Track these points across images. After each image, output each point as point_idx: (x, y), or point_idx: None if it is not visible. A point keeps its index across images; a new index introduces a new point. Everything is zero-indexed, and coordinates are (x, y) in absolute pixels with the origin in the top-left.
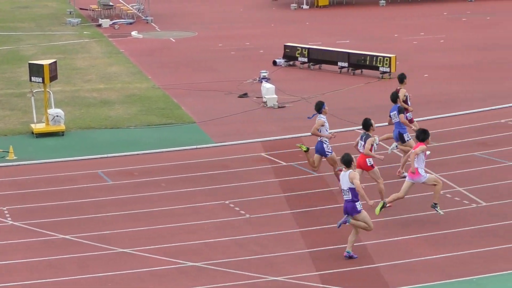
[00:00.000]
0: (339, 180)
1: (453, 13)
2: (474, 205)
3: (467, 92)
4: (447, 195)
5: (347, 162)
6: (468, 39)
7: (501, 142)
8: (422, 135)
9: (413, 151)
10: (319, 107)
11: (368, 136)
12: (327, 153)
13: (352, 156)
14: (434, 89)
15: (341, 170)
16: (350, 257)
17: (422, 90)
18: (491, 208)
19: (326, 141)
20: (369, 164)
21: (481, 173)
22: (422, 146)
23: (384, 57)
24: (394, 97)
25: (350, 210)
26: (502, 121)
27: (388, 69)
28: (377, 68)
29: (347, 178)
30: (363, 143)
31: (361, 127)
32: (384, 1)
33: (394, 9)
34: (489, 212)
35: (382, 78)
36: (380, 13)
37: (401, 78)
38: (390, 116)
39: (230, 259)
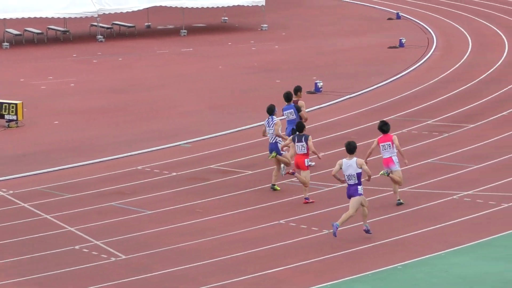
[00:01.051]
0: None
1: (82, 54)
2: (113, 259)
3: (101, 137)
4: (84, 249)
5: (353, 149)
6: (101, 81)
7: (139, 190)
8: (387, 126)
9: (396, 142)
10: (272, 110)
11: (306, 137)
12: (281, 152)
13: None
14: (66, 136)
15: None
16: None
17: (53, 137)
18: (131, 261)
19: (280, 141)
20: (306, 165)
21: (120, 224)
22: (395, 136)
23: (9, 104)
24: (288, 96)
25: (354, 192)
26: (139, 167)
27: (15, 117)
28: (2, 116)
29: (355, 164)
30: (304, 143)
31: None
32: (7, 44)
33: (19, 51)
34: (128, 265)
35: (9, 127)
36: (4, 56)
37: (296, 90)
38: (283, 113)
39: None
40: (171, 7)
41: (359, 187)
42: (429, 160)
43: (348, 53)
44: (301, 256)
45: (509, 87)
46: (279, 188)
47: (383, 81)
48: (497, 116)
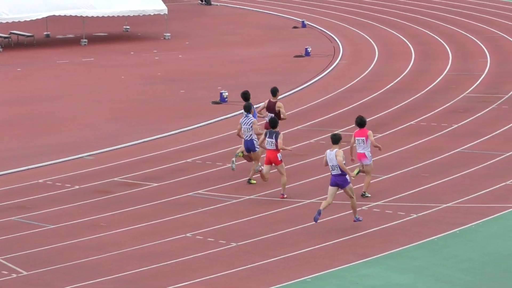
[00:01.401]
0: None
1: None
2: (15, 275)
3: (1, 151)
4: None
5: (336, 140)
6: (0, 93)
7: (41, 204)
8: (363, 121)
9: (372, 138)
10: (249, 108)
11: (277, 134)
12: (256, 148)
13: None
14: None
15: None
16: (357, 220)
17: None
18: (32, 277)
19: (256, 138)
20: (279, 159)
21: (21, 239)
22: (370, 131)
23: None
24: (246, 96)
25: (342, 182)
26: (40, 181)
27: None
28: None
29: (334, 155)
30: (273, 140)
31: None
32: None
33: None
34: (29, 282)
35: None
36: None
37: (274, 92)
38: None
39: None
40: (71, 16)
41: (346, 176)
42: None
43: (254, 62)
44: (208, 270)
45: (416, 96)
46: (254, 182)
47: (289, 90)
48: (404, 125)
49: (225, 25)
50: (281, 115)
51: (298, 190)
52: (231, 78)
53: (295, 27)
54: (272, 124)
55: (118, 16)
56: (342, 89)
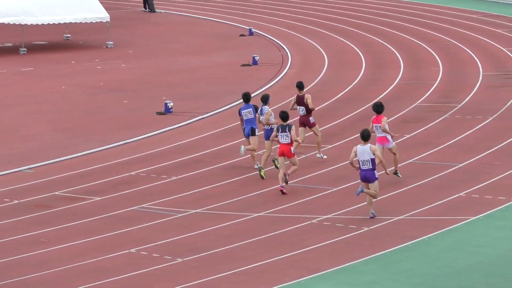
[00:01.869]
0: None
1: None
2: None
3: None
4: None
5: (367, 136)
6: None
7: None
8: (381, 107)
9: (385, 124)
10: (266, 99)
11: (290, 126)
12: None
13: None
14: None
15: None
16: (373, 217)
17: None
18: None
19: (273, 127)
20: (293, 152)
21: None
22: (385, 118)
23: None
24: (248, 97)
25: (370, 177)
26: None
27: None
28: None
29: (369, 150)
30: (288, 133)
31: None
32: None
33: None
34: None
35: None
36: None
37: (300, 85)
38: (240, 114)
39: None
40: (9, 23)
41: (375, 171)
42: (288, 183)
43: (199, 71)
44: (153, 286)
45: (367, 105)
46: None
47: (236, 100)
48: (356, 135)
49: (170, 33)
50: (309, 106)
51: (247, 203)
52: (176, 87)
53: (242, 35)
54: (284, 118)
55: (58, 24)
56: (290, 98)
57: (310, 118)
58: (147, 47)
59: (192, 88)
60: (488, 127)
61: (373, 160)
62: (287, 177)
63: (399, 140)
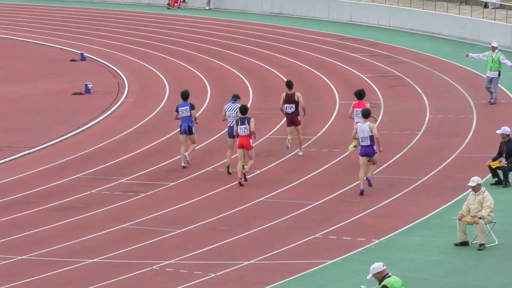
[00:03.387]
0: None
1: None
2: None
3: None
4: None
5: (367, 114)
6: None
7: None
8: (364, 93)
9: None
10: (237, 96)
11: (249, 119)
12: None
13: None
14: None
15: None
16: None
17: None
18: None
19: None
20: (252, 145)
21: None
22: (368, 104)
23: None
24: (186, 95)
25: (370, 152)
26: None
27: None
28: None
29: (368, 127)
30: (247, 126)
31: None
32: None
33: None
34: None
35: None
36: None
37: (290, 84)
38: (177, 111)
39: None
40: None
41: (374, 147)
42: (124, 225)
43: (25, 101)
44: None
45: (214, 137)
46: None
47: (68, 133)
48: (200, 171)
49: None
50: (300, 104)
51: (79, 248)
52: None
53: (73, 60)
54: (243, 111)
55: None
56: (128, 131)
57: (298, 117)
58: None
59: (15, 120)
60: (346, 161)
61: (371, 137)
62: (246, 176)
63: (248, 177)
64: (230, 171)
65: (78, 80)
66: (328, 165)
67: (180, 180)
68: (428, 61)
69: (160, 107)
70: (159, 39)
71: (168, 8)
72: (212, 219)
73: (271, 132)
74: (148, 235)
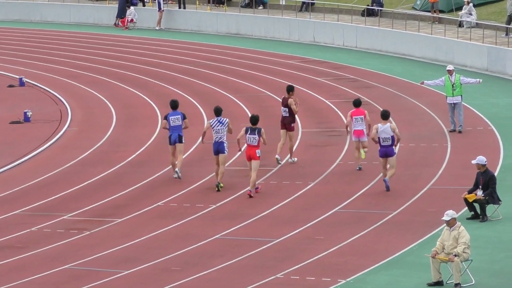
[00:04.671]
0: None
1: None
2: None
3: None
4: None
5: (387, 115)
6: None
7: None
8: (360, 101)
9: (367, 118)
10: (220, 111)
11: (259, 130)
12: (225, 151)
13: None
14: None
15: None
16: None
17: None
18: None
19: (225, 141)
20: (258, 155)
21: None
22: (367, 112)
23: None
24: (176, 104)
25: (390, 152)
26: None
27: None
28: None
29: (389, 128)
30: (256, 136)
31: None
32: None
33: None
34: None
35: None
36: None
37: (290, 89)
38: (167, 119)
39: None
40: None
41: (394, 147)
42: (67, 266)
43: None
44: None
45: (165, 170)
46: (223, 185)
47: (5, 165)
48: (150, 207)
49: None
50: (292, 108)
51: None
52: None
53: (11, 86)
54: (254, 121)
55: None
56: (72, 162)
57: (292, 124)
58: None
59: None
60: (310, 194)
61: (393, 138)
62: (251, 191)
63: (203, 212)
64: (219, 188)
65: (16, 107)
66: (290, 198)
67: (128, 216)
68: (399, 85)
69: (106, 136)
70: (105, 63)
71: (115, 26)
72: (164, 258)
73: (227, 164)
74: (94, 277)
